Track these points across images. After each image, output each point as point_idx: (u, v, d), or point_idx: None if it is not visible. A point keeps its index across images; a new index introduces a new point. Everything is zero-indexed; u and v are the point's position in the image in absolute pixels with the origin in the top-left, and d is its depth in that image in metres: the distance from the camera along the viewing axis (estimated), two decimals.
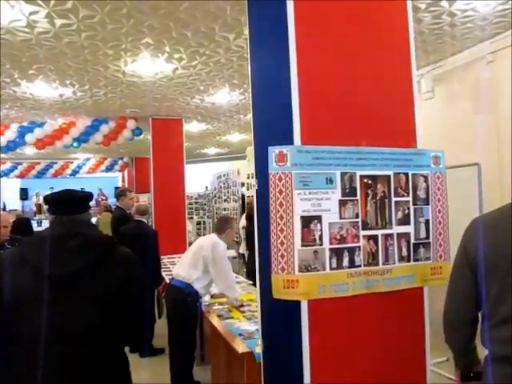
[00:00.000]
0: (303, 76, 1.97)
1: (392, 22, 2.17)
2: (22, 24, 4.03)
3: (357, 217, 2.04)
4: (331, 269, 1.98)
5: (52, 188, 18.50)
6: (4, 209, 9.96)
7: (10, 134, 7.11)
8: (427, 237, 2.18)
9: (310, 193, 1.96)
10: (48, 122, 7.51)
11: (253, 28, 2.35)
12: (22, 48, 4.58)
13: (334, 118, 2.02)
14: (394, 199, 2.11)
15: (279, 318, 2.16)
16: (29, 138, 7.22)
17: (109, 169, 13.66)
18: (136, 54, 4.95)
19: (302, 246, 1.94)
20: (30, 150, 10.78)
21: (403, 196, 2.14)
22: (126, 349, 1.80)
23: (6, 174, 12.35)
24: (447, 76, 5.26)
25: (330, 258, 1.98)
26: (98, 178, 18.06)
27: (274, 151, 1.97)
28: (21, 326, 1.58)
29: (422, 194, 2.18)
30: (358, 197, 2.04)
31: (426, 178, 2.19)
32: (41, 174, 12.88)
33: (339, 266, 2.00)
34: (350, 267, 2.01)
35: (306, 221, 1.95)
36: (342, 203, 2.01)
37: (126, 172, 15.87)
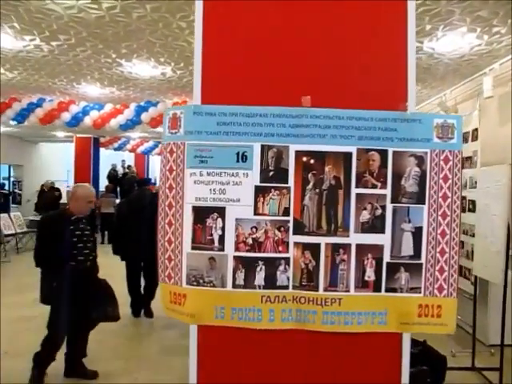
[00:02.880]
0: (209, 6, 1.35)
1: None
2: (88, 0, 4.10)
3: (285, 213, 1.35)
4: (235, 286, 1.35)
5: None
6: (154, 183, 11.01)
7: (128, 112, 7.66)
8: (416, 255, 1.35)
9: (208, 173, 1.35)
10: (161, 101, 7.86)
11: None
12: (100, 25, 4.70)
13: (256, 63, 1.36)
14: (355, 191, 1.35)
15: None
16: (144, 116, 7.67)
17: None
18: None
19: (193, 248, 1.36)
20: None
21: (374, 187, 1.35)
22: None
23: (149, 151, 13.69)
24: None
25: (235, 271, 1.35)
26: None
27: (168, 114, 1.42)
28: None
29: (410, 184, 1.35)
30: (291, 183, 1.35)
31: (421, 159, 1.34)
32: None
33: (249, 284, 1.35)
34: (267, 287, 1.35)
35: (201, 213, 1.36)
36: (261, 192, 1.35)
37: None
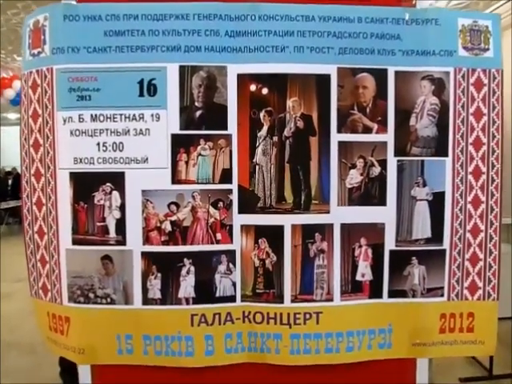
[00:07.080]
0: None
1: None
2: None
3: (225, 179, 0.82)
4: (148, 301, 0.83)
5: None
6: None
7: None
8: (436, 238, 0.85)
9: (94, 117, 0.81)
10: None
11: None
12: None
13: None
14: (336, 137, 0.83)
15: None
16: None
17: None
18: None
19: (76, 242, 0.83)
20: None
21: (367, 131, 0.83)
22: None
23: None
24: None
25: (146, 276, 0.83)
26: None
27: (27, 25, 0.86)
28: None
29: (424, 125, 0.84)
30: (232, 129, 0.82)
31: (440, 84, 0.84)
32: None
33: (170, 297, 0.83)
34: (200, 301, 0.84)
35: (84, 184, 0.82)
36: (183, 144, 0.82)
37: None
